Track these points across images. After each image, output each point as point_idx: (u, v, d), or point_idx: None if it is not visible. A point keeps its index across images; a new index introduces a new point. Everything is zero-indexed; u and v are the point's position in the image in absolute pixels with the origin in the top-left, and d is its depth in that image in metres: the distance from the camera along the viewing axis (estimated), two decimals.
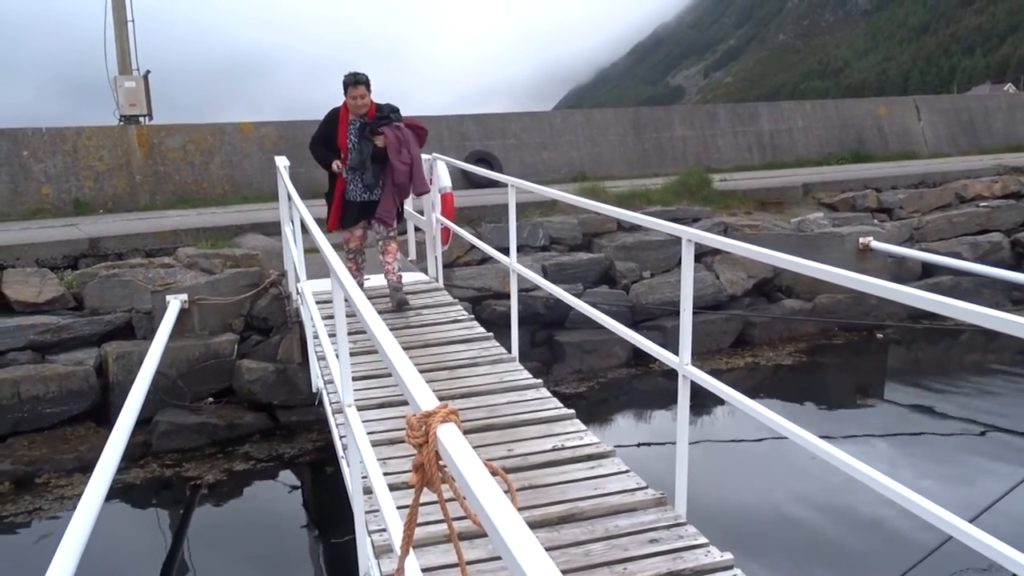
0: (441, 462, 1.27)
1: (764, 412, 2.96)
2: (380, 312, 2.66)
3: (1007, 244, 10.95)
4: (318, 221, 4.24)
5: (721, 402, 3.23)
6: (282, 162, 6.76)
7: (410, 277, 7.23)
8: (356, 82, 6.12)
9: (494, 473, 1.42)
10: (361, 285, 6.46)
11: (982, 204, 11.44)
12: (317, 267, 5.91)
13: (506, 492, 1.44)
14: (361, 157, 6.15)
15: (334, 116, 6.29)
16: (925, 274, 10.18)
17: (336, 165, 6.22)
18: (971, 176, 12.17)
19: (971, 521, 2.67)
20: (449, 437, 1.21)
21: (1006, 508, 4.75)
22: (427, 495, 1.45)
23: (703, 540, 3.07)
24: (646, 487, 3.49)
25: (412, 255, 8.24)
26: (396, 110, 6.29)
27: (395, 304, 6.43)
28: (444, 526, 2.70)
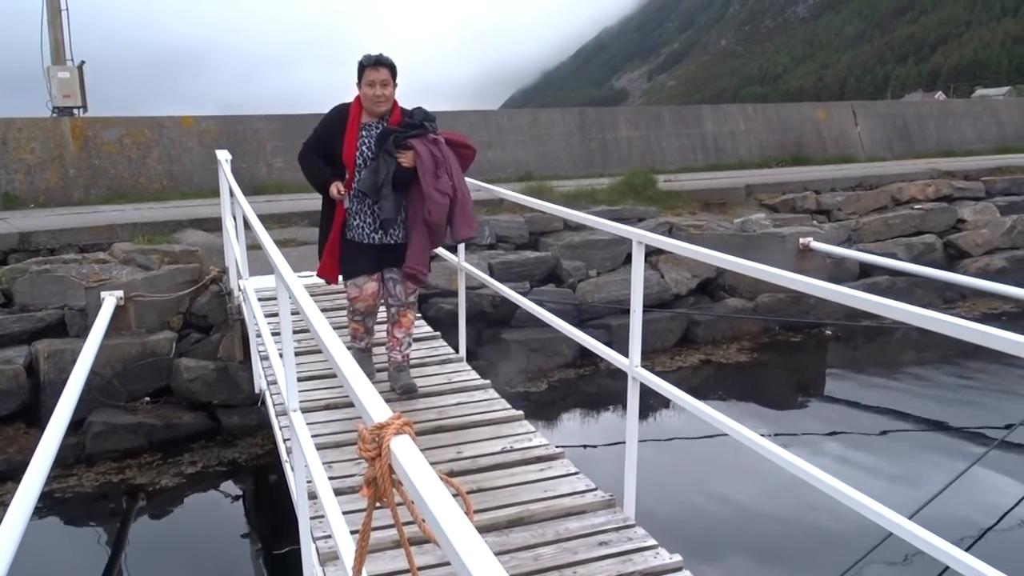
0: (395, 475, 1.22)
1: (713, 413, 2.97)
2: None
3: (940, 245, 11.32)
4: (261, 217, 4.12)
5: (669, 402, 3.23)
6: (224, 156, 6.59)
7: None
8: (378, 63, 4.31)
9: (450, 486, 1.38)
10: (367, 350, 4.94)
11: (916, 207, 11.79)
12: (260, 264, 5.77)
13: (458, 498, 1.39)
14: (376, 179, 4.24)
15: (339, 115, 4.45)
16: (863, 274, 10.44)
17: (336, 188, 4.36)
18: (906, 179, 12.53)
19: (910, 517, 2.73)
20: (404, 450, 1.16)
21: (944, 503, 4.88)
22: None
23: (652, 542, 3.07)
24: (595, 489, 3.47)
25: None
26: (432, 118, 4.44)
27: (400, 388, 4.72)
28: (391, 531, 2.64)
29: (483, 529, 3.13)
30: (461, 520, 0.95)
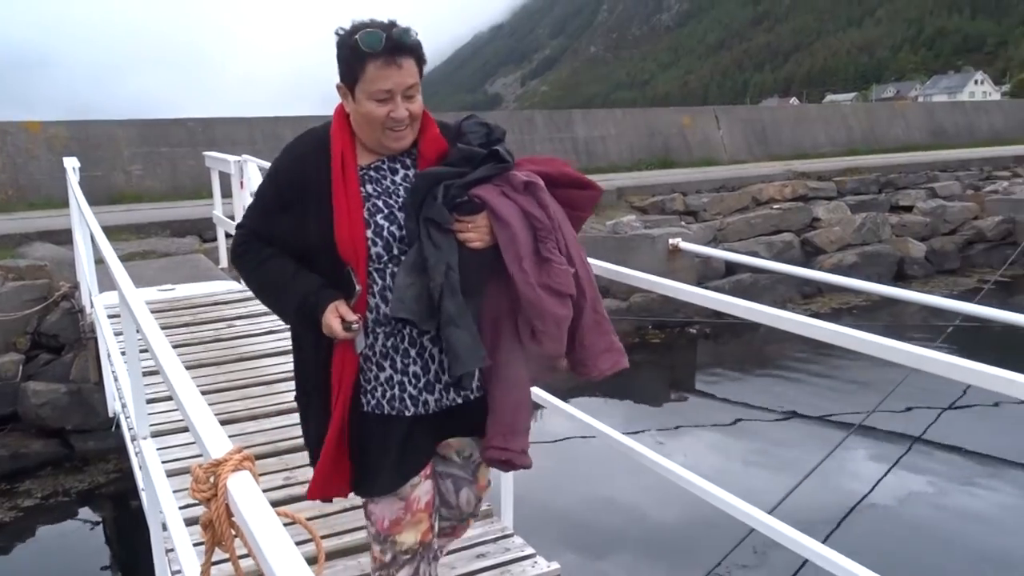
0: (233, 518, 1.12)
1: (582, 417, 2.99)
2: None
3: (797, 243, 11.94)
4: (119, 227, 3.85)
5: (542, 405, 3.21)
6: (71, 164, 6.19)
7: (220, 286, 6.79)
8: (397, 48, 1.88)
9: (295, 523, 1.28)
10: None
11: (775, 207, 12.40)
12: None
13: (304, 544, 1.30)
14: (426, 286, 1.89)
15: (313, 158, 1.98)
16: (728, 272, 10.86)
17: (339, 318, 1.88)
18: (765, 181, 13.16)
19: (771, 511, 2.82)
20: (242, 489, 1.05)
21: (806, 491, 5.09)
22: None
23: (530, 551, 3.03)
24: None
25: (224, 262, 7.78)
26: (501, 135, 2.14)
27: None
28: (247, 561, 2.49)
29: (354, 550, 3.02)
30: (301, 569, 0.86)
